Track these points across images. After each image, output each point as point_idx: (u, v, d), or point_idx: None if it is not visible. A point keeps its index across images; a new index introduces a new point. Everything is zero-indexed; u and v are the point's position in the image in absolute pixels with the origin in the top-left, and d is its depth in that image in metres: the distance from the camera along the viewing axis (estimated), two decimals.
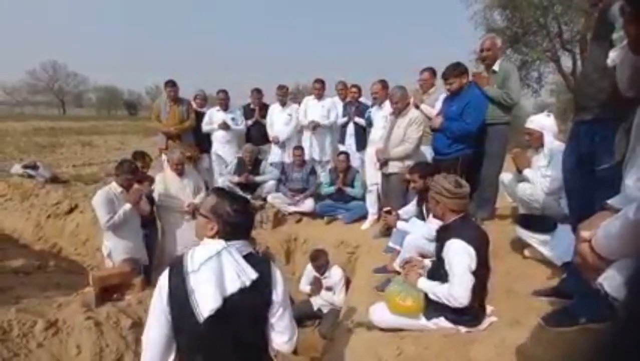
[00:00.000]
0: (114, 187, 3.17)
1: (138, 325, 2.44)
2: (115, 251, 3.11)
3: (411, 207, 3.16)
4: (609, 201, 0.83)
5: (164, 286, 1.30)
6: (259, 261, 1.39)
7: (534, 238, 2.59)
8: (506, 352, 1.78)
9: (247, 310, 1.31)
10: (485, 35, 4.43)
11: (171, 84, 4.74)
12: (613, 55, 1.39)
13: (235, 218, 1.35)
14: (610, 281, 0.72)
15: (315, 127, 4.77)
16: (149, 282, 3.14)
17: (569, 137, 2.01)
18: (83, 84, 47.81)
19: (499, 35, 3.72)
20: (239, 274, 1.28)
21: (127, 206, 3.11)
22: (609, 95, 1.62)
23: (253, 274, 1.29)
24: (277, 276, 1.37)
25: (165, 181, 3.78)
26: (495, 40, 3.36)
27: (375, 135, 3.96)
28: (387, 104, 4.01)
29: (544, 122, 2.90)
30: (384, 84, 4.19)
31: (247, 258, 1.35)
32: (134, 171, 3.22)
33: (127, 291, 2.72)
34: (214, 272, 1.26)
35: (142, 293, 2.72)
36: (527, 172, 2.91)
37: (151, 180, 3.75)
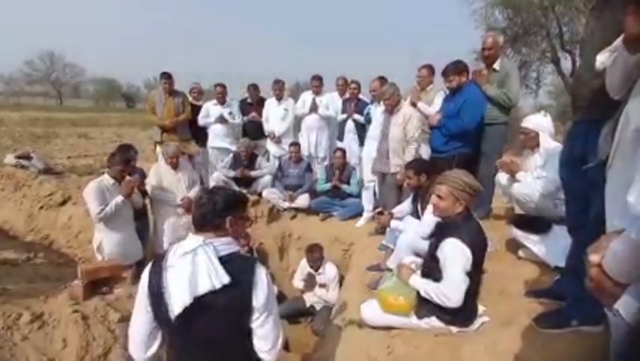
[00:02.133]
0: (106, 179, 3.13)
1: (126, 319, 2.40)
2: (106, 244, 3.07)
3: (406, 205, 3.13)
4: (616, 224, 0.80)
5: (145, 280, 1.32)
6: (242, 262, 1.34)
7: (528, 239, 2.57)
8: (497, 353, 1.76)
9: (221, 311, 1.26)
10: (487, 33, 4.38)
11: (166, 77, 4.67)
12: (602, 58, 1.35)
13: (194, 209, 1.36)
14: (627, 307, 0.69)
15: (312, 110, 4.77)
16: (140, 276, 3.11)
17: (565, 138, 1.98)
18: (81, 75, 47.47)
19: (500, 34, 3.68)
20: (210, 276, 1.23)
21: (119, 198, 3.07)
22: (602, 95, 1.60)
23: (225, 278, 1.22)
24: (260, 279, 1.29)
25: (159, 174, 3.74)
26: (497, 38, 3.32)
27: (374, 132, 3.91)
28: None
29: (540, 122, 2.87)
30: (382, 81, 4.15)
31: (227, 258, 1.29)
32: (127, 163, 3.18)
33: (117, 285, 2.68)
34: (187, 269, 1.24)
35: (132, 287, 2.68)
36: (520, 175, 2.88)
37: (142, 173, 3.71)
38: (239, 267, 1.29)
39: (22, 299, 2.32)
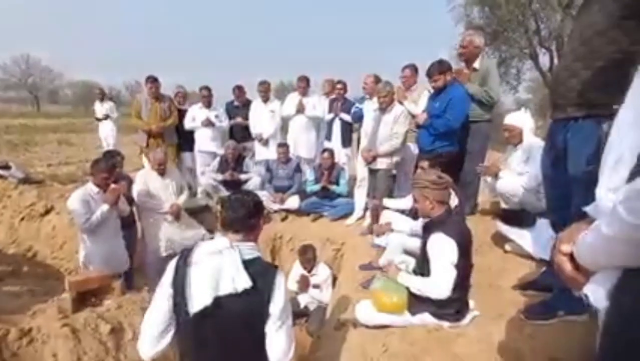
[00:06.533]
0: (90, 187, 3.04)
1: (118, 330, 2.36)
2: (92, 256, 2.99)
3: (407, 201, 3.16)
4: (586, 209, 0.85)
5: (170, 272, 1.33)
6: (264, 268, 1.37)
7: (513, 233, 2.65)
8: (489, 346, 1.82)
9: (239, 314, 1.29)
10: (466, 32, 4.46)
11: (152, 80, 4.59)
12: None
13: (223, 211, 1.38)
14: (594, 293, 0.74)
15: (299, 111, 4.77)
16: (129, 286, 3.05)
17: (546, 135, 2.05)
18: (58, 79, 45.88)
19: (480, 33, 3.74)
20: (233, 279, 1.27)
21: (105, 206, 2.99)
22: (578, 93, 1.66)
23: (247, 283, 1.26)
24: (280, 287, 1.33)
25: (146, 181, 3.67)
26: (473, 37, 3.36)
27: (368, 127, 3.91)
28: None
29: (523, 119, 2.96)
30: (376, 78, 4.18)
31: (251, 262, 1.33)
32: (111, 170, 3.10)
33: (106, 296, 2.63)
34: (212, 269, 1.28)
35: (121, 298, 2.63)
36: (502, 173, 2.95)
37: (129, 180, 3.63)
38: (260, 272, 1.32)
39: (9, 315, 2.25)
